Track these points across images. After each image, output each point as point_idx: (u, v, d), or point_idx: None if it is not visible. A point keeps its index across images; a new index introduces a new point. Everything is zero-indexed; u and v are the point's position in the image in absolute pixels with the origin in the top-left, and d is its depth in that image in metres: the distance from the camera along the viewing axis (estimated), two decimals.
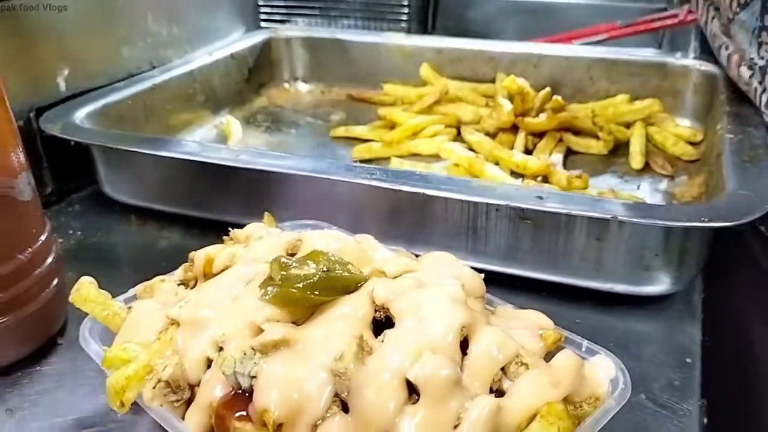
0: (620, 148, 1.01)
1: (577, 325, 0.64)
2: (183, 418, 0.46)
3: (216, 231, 0.62)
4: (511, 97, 1.05)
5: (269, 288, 0.47)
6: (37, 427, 0.54)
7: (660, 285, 0.65)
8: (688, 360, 0.60)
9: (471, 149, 0.99)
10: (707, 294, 0.70)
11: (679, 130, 1.02)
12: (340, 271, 0.49)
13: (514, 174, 0.92)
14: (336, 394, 0.42)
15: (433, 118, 1.08)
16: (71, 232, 0.84)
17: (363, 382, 0.41)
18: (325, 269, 0.48)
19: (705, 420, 0.58)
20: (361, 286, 0.48)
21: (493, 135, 1.04)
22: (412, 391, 0.42)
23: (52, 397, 0.58)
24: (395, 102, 1.21)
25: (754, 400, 0.84)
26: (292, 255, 0.54)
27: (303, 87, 1.34)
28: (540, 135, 1.03)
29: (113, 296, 0.55)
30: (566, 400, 0.44)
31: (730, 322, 0.92)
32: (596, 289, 0.67)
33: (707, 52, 1.04)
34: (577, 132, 1.04)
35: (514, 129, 1.04)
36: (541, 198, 0.64)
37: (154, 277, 0.58)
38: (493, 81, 1.16)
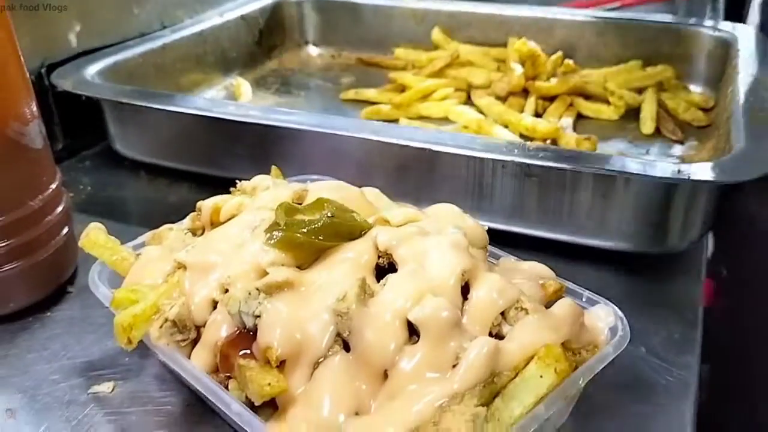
0: (631, 114, 1.00)
1: (580, 282, 0.64)
2: (189, 357, 0.47)
3: (224, 187, 0.62)
4: (522, 61, 1.05)
5: (274, 233, 0.48)
6: (47, 368, 0.56)
7: (665, 244, 0.66)
8: (690, 316, 0.61)
9: (481, 113, 0.99)
10: (714, 253, 0.70)
11: (691, 96, 1.01)
12: (345, 218, 0.49)
13: (523, 137, 0.92)
14: (338, 334, 0.43)
15: (443, 81, 1.08)
16: (81, 187, 0.85)
17: (364, 323, 0.42)
18: (329, 215, 0.49)
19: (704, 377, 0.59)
20: (365, 233, 0.49)
21: (503, 99, 1.04)
22: (413, 332, 0.42)
23: (61, 341, 0.59)
24: (406, 66, 1.20)
25: (759, 359, 0.85)
26: (299, 204, 0.54)
27: (314, 50, 1.33)
28: (551, 99, 1.02)
29: (122, 244, 0.56)
30: (565, 347, 0.45)
31: (736, 283, 0.92)
32: (600, 247, 0.67)
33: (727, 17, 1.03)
34: (588, 97, 1.03)
35: (524, 93, 1.04)
36: (547, 153, 0.64)
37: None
38: (505, 45, 1.15)
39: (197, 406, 0.51)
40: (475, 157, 0.67)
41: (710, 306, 0.68)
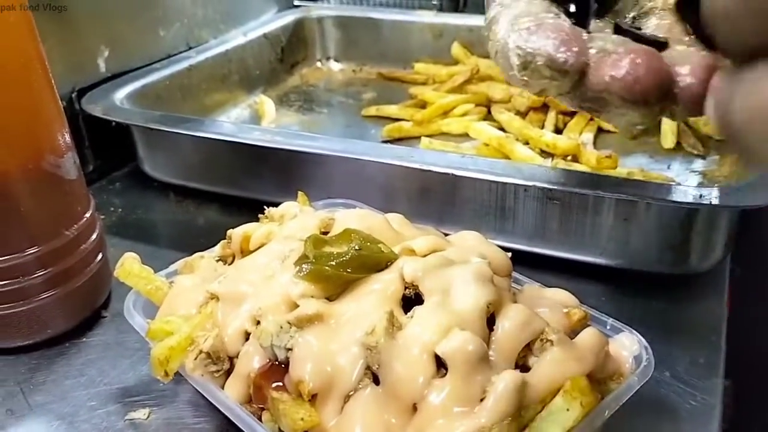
0: (651, 128, 1.01)
1: (603, 304, 0.65)
2: (222, 388, 0.48)
3: (251, 209, 0.64)
4: None
5: (303, 265, 0.49)
6: (85, 394, 0.58)
7: (687, 265, 0.66)
8: (714, 339, 0.61)
9: (501, 128, 1.00)
10: (736, 274, 0.70)
11: None
12: (371, 250, 0.50)
13: (544, 153, 0.93)
14: (367, 367, 0.44)
15: (463, 97, 1.09)
16: (112, 209, 0.87)
17: (393, 356, 0.43)
18: (356, 248, 0.50)
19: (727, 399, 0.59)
20: (391, 264, 0.50)
21: (523, 114, 1.04)
22: (441, 365, 0.43)
23: (97, 367, 0.61)
24: (426, 81, 1.22)
25: None
26: (325, 233, 0.55)
27: (335, 66, 1.35)
28: (571, 114, 1.03)
29: (155, 271, 0.58)
30: (590, 377, 0.45)
31: (759, 302, 0.92)
32: (623, 268, 0.68)
33: None
34: None
35: (544, 108, 1.04)
36: (569, 178, 0.65)
37: (194, 254, 0.60)
38: None
39: None
40: (497, 182, 0.68)
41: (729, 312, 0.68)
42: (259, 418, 0.46)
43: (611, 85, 0.41)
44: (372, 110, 1.11)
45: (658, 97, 0.41)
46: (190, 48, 1.11)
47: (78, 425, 0.54)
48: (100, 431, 0.54)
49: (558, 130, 1.00)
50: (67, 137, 0.62)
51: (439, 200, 0.72)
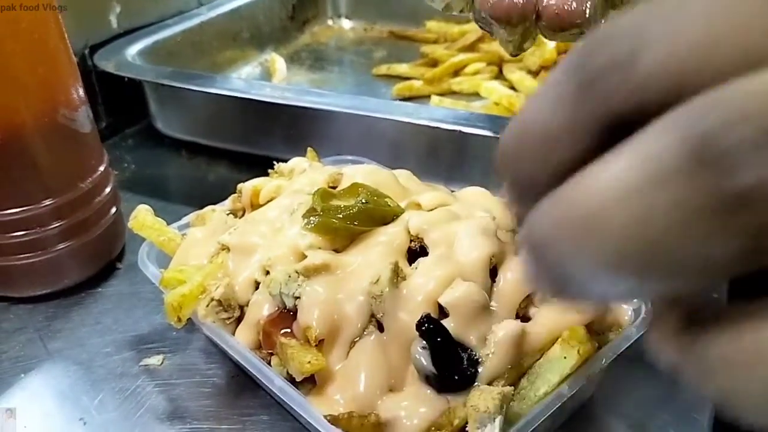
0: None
1: None
2: (233, 334, 0.50)
3: (262, 166, 0.65)
4: None
5: (311, 218, 0.50)
6: (100, 342, 0.60)
7: None
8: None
9: (512, 87, 1.00)
10: None
11: None
12: (378, 203, 0.51)
13: None
14: (372, 315, 0.45)
15: (474, 55, 1.09)
16: (125, 165, 0.89)
17: (397, 305, 0.45)
18: (363, 201, 0.51)
19: None
20: (397, 217, 0.51)
21: (535, 73, 1.04)
22: (443, 315, 0.45)
23: (113, 315, 0.63)
24: (438, 39, 1.21)
25: None
26: (334, 188, 0.57)
27: (346, 24, 1.35)
28: None
29: (167, 224, 0.59)
30: (589, 328, 0.47)
31: None
32: None
33: None
34: None
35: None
36: None
37: (205, 207, 0.61)
38: None
39: (241, 377, 0.55)
40: None
41: None
42: (269, 363, 0.47)
43: (483, 5, 0.52)
44: (383, 69, 1.11)
45: (520, 17, 0.52)
46: (202, 5, 1.11)
47: (94, 370, 0.56)
48: (116, 376, 0.56)
49: None
50: (81, 91, 0.63)
51: (447, 157, 0.73)
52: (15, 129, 0.57)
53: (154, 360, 0.57)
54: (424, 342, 0.42)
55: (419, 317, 0.42)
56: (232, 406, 0.53)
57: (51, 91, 0.59)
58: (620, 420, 0.51)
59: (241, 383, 0.54)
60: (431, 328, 0.41)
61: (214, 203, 0.62)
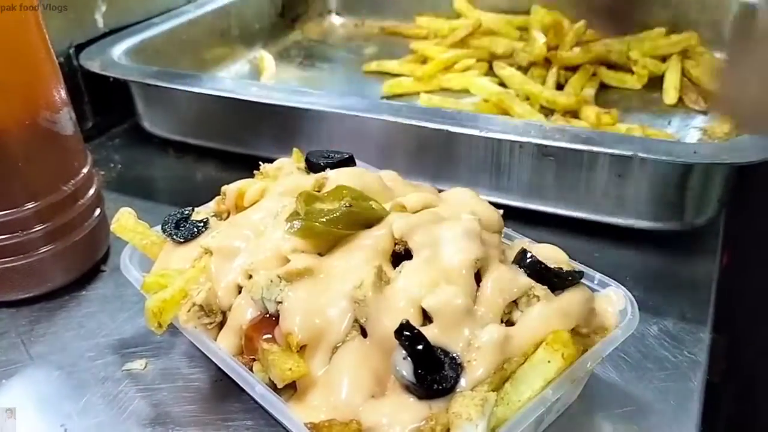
0: (655, 82, 1.00)
1: (596, 260, 0.65)
2: (216, 339, 0.49)
3: (250, 165, 0.64)
4: (545, 30, 1.04)
5: (295, 222, 0.50)
6: (84, 346, 0.59)
7: (681, 222, 0.66)
8: (703, 294, 0.62)
9: (502, 84, 0.99)
10: (729, 230, 0.70)
11: (716, 64, 1.00)
12: (362, 206, 0.51)
13: (544, 109, 0.92)
14: (355, 320, 0.45)
15: (464, 51, 1.08)
16: (112, 165, 0.88)
17: (380, 309, 0.44)
18: (347, 204, 0.50)
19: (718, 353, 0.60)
20: (382, 220, 0.50)
21: (525, 69, 1.03)
22: (427, 319, 0.44)
23: (96, 319, 0.62)
24: (428, 35, 1.20)
25: None
26: (319, 190, 0.56)
27: (336, 20, 1.34)
28: (573, 69, 1.02)
29: (152, 226, 0.59)
30: (575, 331, 0.46)
31: (752, 258, 0.92)
32: (616, 224, 0.68)
33: None
34: (611, 66, 1.03)
35: (547, 63, 1.03)
36: (563, 134, 0.64)
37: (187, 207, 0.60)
38: (529, 13, 1.14)
39: (225, 382, 0.54)
40: (492, 138, 0.68)
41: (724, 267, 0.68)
42: (251, 369, 0.47)
43: None
44: (373, 66, 1.11)
45: None
46: (189, 2, 1.10)
47: (77, 375, 0.56)
48: (99, 381, 0.55)
49: (560, 86, 0.99)
50: (63, 93, 0.62)
51: (435, 157, 0.72)
52: None
53: (138, 364, 0.56)
54: (405, 353, 0.41)
55: (398, 324, 0.42)
56: (215, 410, 0.52)
57: (31, 93, 0.59)
58: (607, 422, 0.50)
59: (225, 388, 0.54)
60: (410, 335, 0.40)
61: (203, 203, 0.62)
